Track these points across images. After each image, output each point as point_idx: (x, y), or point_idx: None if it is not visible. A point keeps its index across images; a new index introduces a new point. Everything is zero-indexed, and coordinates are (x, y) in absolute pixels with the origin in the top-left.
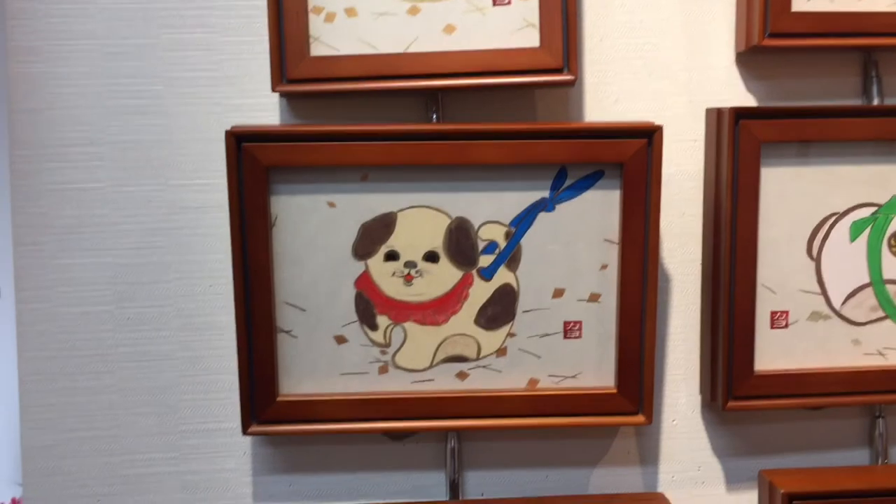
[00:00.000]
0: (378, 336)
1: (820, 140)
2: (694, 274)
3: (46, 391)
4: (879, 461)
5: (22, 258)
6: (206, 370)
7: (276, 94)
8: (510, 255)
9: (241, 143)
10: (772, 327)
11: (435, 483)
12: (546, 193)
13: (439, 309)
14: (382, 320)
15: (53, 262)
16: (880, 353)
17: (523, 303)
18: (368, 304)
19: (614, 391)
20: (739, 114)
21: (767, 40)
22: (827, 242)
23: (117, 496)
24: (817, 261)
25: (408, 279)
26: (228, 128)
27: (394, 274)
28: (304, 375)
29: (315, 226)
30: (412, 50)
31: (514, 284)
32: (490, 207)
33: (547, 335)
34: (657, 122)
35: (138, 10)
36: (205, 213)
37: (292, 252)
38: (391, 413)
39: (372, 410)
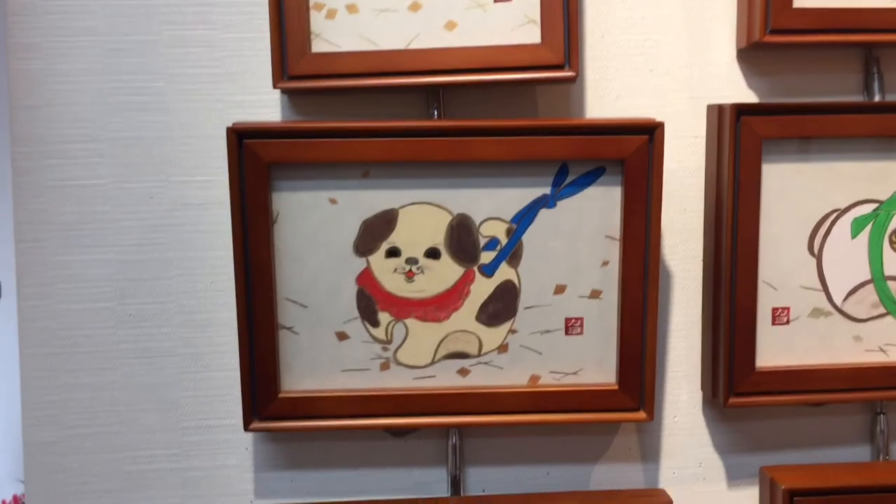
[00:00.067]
0: (379, 332)
1: (821, 136)
2: (695, 270)
3: (48, 388)
4: (881, 457)
5: (23, 255)
6: (208, 367)
7: (278, 91)
8: (511, 252)
9: (243, 139)
10: (773, 324)
11: (436, 479)
12: (547, 190)
13: (441, 305)
14: (384, 317)
15: (55, 258)
16: (881, 350)
17: (524, 299)
18: (370, 300)
19: (615, 388)
20: (741, 110)
21: (769, 37)
22: (828, 239)
23: (119, 493)
24: (818, 257)
25: (409, 276)
26: (230, 124)
27: (395, 270)
28: (305, 372)
29: (316, 222)
30: (413, 46)
31: (516, 281)
32: (491, 204)
33: (548, 332)
34: (658, 118)
35: (139, 7)
36: (206, 209)
37: (294, 249)
38: (392, 409)
39: (373, 407)
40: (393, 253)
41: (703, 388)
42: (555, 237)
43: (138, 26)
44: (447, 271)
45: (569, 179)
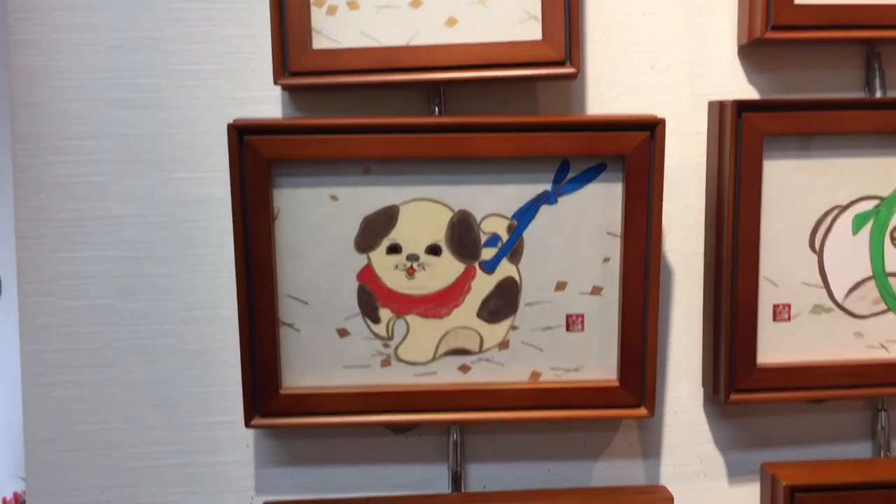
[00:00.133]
0: (380, 329)
1: (822, 133)
2: (696, 267)
3: (49, 385)
4: (882, 454)
5: (24, 252)
6: (209, 363)
7: (278, 88)
8: (512, 248)
9: (244, 136)
10: (774, 320)
11: (437, 476)
12: (548, 186)
13: (442, 302)
14: (385, 313)
15: (55, 255)
16: (883, 347)
17: (525, 296)
18: (371, 297)
19: (616, 384)
20: (742, 106)
21: (770, 33)
22: (829, 235)
23: (120, 489)
24: (820, 254)
25: (410, 272)
26: (230, 121)
27: (396, 267)
28: (306, 368)
29: (317, 219)
30: (414, 43)
31: (517, 277)
32: (492, 200)
33: (549, 328)
34: (659, 115)
35: (140, 4)
36: (207, 206)
37: (295, 245)
38: (393, 406)
39: (374, 403)
40: (394, 249)
41: (704, 384)
42: (556, 234)
43: (139, 23)
44: (448, 268)
45: (570, 176)
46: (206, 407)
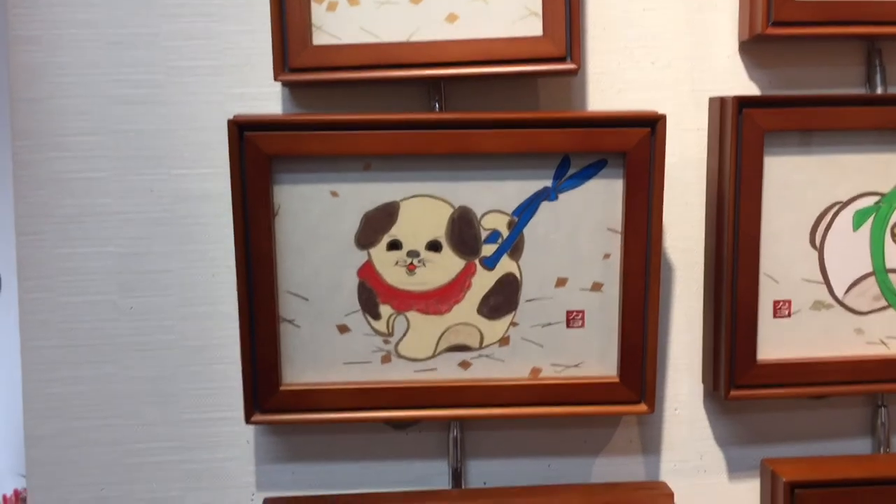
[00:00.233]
0: (381, 325)
1: (823, 129)
2: (697, 263)
3: (49, 381)
4: (881, 450)
5: (24, 248)
6: (209, 359)
7: (279, 84)
8: (513, 245)
9: (244, 132)
10: (774, 316)
11: (437, 472)
12: (549, 182)
13: (442, 298)
14: (385, 309)
15: (55, 251)
16: (883, 343)
17: (526, 292)
18: (371, 293)
19: (617, 380)
20: (743, 102)
21: (771, 29)
22: (830, 231)
23: (120, 485)
24: (820, 250)
25: (410, 268)
26: (231, 117)
27: (396, 263)
28: (306, 364)
29: (318, 215)
30: (414, 39)
31: (517, 274)
32: (493, 197)
33: (549, 324)
34: (660, 111)
35: (139, 0)
36: (207, 202)
37: (295, 241)
38: (394, 402)
39: (374, 399)
40: (394, 246)
41: (704, 380)
42: (556, 230)
43: (139, 19)
44: (448, 264)
45: (570, 172)
46: (206, 403)
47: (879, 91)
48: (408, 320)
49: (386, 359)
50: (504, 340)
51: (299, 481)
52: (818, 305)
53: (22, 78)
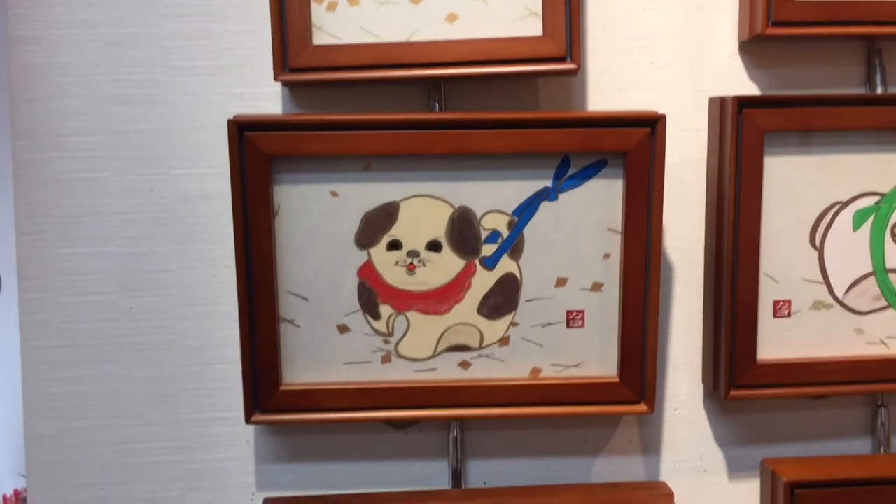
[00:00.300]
0: (381, 325)
1: (823, 129)
2: (697, 263)
3: (49, 381)
4: (881, 450)
5: (24, 248)
6: (209, 360)
7: (279, 84)
8: (513, 245)
9: (244, 132)
10: (774, 316)
11: (437, 472)
12: (549, 182)
13: (442, 298)
14: (385, 309)
15: (55, 251)
16: (883, 343)
17: (526, 292)
18: (371, 293)
19: (617, 380)
20: (743, 102)
21: (771, 29)
22: (830, 231)
23: (120, 485)
24: (820, 250)
25: (410, 268)
26: (230, 117)
27: (396, 263)
28: (306, 364)
29: (318, 215)
30: (414, 39)
31: (517, 274)
32: (493, 197)
33: (549, 324)
34: (660, 111)
35: (139, 0)
36: (207, 202)
37: (295, 241)
38: (394, 402)
39: (374, 399)
40: (394, 246)
41: (704, 380)
42: (556, 230)
43: (139, 19)
44: (448, 264)
45: (570, 172)
46: (206, 403)
47: (879, 91)
48: (408, 320)
49: (386, 359)
50: (504, 340)
51: (299, 481)
52: (818, 305)
53: (22, 78)
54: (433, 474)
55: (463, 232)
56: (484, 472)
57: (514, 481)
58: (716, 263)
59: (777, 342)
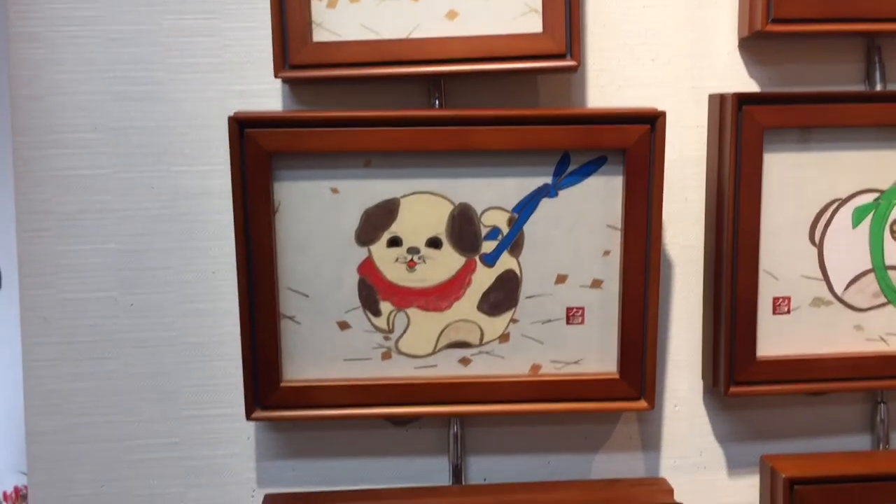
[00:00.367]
0: (381, 322)
1: (823, 126)
2: (696, 260)
3: (50, 377)
4: (881, 447)
5: (25, 245)
6: (210, 356)
7: (279, 80)
8: (513, 242)
9: (244, 129)
10: (774, 313)
11: (438, 468)
12: (549, 179)
13: (442, 295)
14: (385, 306)
15: (56, 248)
16: (882, 339)
17: (526, 289)
18: (371, 290)
19: (616, 377)
20: (742, 99)
21: (770, 26)
22: (829, 228)
23: (120, 482)
24: (819, 247)
25: (411, 265)
26: (231, 114)
27: (397, 260)
28: (307, 361)
29: (318, 212)
30: (414, 36)
31: (517, 270)
32: (493, 193)
33: (549, 321)
34: (660, 107)
35: None
36: (208, 199)
37: (295, 238)
38: (394, 399)
39: (375, 396)
40: (394, 242)
41: (703, 377)
42: (556, 227)
43: (139, 16)
44: (449, 261)
45: (570, 169)
46: (206, 400)
47: (879, 88)
48: (408, 317)
49: (386, 355)
50: (504, 337)
51: (300, 478)
52: (818, 302)
53: (22, 74)
54: (433, 471)
55: (463, 229)
56: (484, 469)
57: (515, 477)
58: (715, 260)
59: (777, 339)
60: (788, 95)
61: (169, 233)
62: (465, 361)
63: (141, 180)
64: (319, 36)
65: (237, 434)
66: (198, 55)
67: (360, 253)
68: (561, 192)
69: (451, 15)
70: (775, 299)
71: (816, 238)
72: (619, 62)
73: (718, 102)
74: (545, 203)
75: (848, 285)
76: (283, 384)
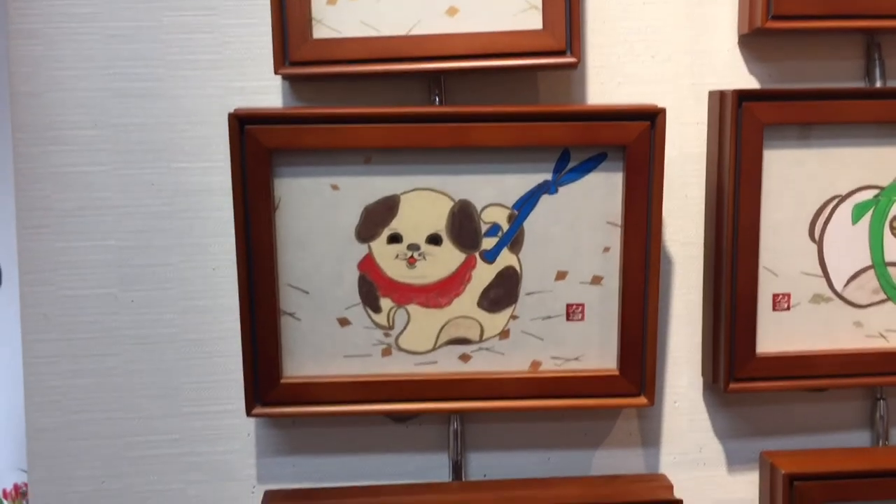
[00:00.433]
0: (381, 318)
1: (822, 122)
2: (696, 256)
3: (50, 374)
4: (880, 443)
5: (25, 241)
6: (210, 353)
7: (279, 77)
8: (513, 238)
9: (244, 125)
10: (774, 309)
11: (438, 465)
12: (549, 176)
13: (442, 291)
14: (385, 303)
15: (56, 245)
16: (882, 336)
17: (526, 285)
18: (371, 286)
19: (616, 373)
20: (742, 96)
21: (770, 22)
22: (829, 225)
23: (121, 478)
24: (819, 243)
25: (411, 262)
26: (231, 110)
27: (397, 256)
28: (307, 358)
29: (318, 208)
30: (415, 32)
31: (517, 267)
32: (493, 190)
33: (549, 317)
34: (660, 104)
35: None
36: (207, 196)
37: (296, 235)
38: (394, 395)
39: (375, 392)
40: (394, 239)
41: (703, 373)
42: (556, 223)
43: (139, 12)
44: (449, 257)
45: (570, 165)
46: (206, 396)
47: (879, 84)
48: (408, 313)
49: (386, 352)
50: (504, 333)
51: (300, 474)
52: (817, 299)
53: (22, 71)
54: (433, 467)
55: (463, 225)
56: (484, 465)
57: (515, 474)
58: (715, 257)
59: (776, 335)
60: (788, 92)
61: (169, 229)
62: (465, 358)
63: (141, 177)
64: (319, 32)
65: (237, 430)
66: (198, 52)
67: (361, 249)
68: (561, 189)
69: (452, 11)
70: (775, 296)
71: (816, 234)
72: (619, 59)
73: (718, 99)
74: (545, 200)
75: (848, 282)
76: (283, 381)
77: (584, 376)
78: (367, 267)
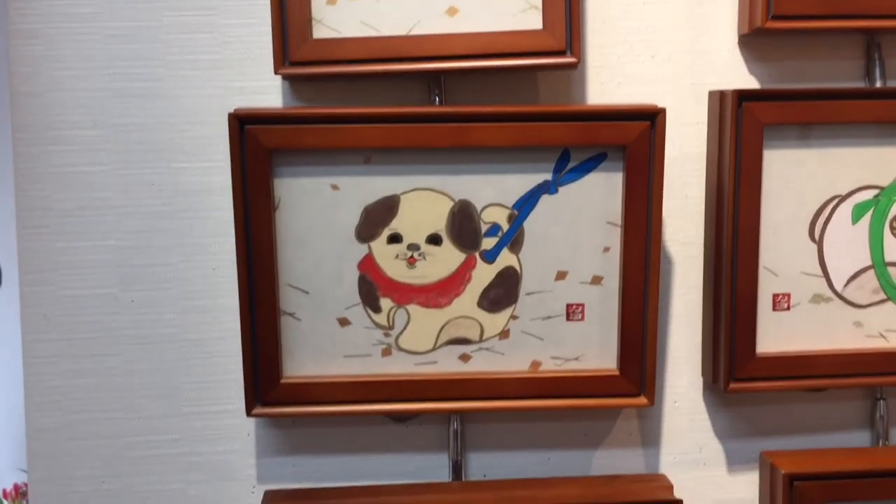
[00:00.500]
0: (381, 318)
1: (822, 122)
2: (696, 256)
3: (50, 374)
4: (880, 443)
5: (25, 241)
6: (210, 353)
7: (279, 77)
8: (513, 238)
9: (244, 125)
10: (774, 310)
11: (438, 465)
12: (549, 176)
13: (442, 291)
14: (385, 303)
15: (56, 245)
16: (882, 336)
17: (526, 285)
18: (371, 286)
19: (616, 373)
20: (742, 96)
21: (770, 22)
22: (829, 225)
23: (121, 478)
24: (819, 243)
25: (411, 262)
26: (231, 110)
27: (397, 256)
28: (307, 358)
29: (318, 208)
30: (415, 32)
31: (517, 267)
32: (493, 190)
33: (549, 317)
34: (660, 104)
35: None
36: (207, 196)
37: (296, 235)
38: (394, 395)
39: (375, 392)
40: (394, 239)
41: (703, 373)
42: (556, 223)
43: (139, 12)
44: (449, 257)
45: (570, 165)
46: (206, 396)
47: (879, 85)
48: (408, 313)
49: (386, 352)
50: (504, 333)
51: (300, 474)
52: (817, 298)
53: (22, 71)
54: (433, 467)
55: (463, 225)
56: (484, 465)
57: (514, 474)
58: (715, 256)
59: (776, 335)
60: (788, 92)
61: (169, 229)
62: (465, 358)
63: (141, 177)
64: (319, 32)
65: (237, 430)
66: (198, 52)
67: (361, 249)
68: (561, 189)
69: (452, 11)
70: (775, 296)
71: (816, 234)
72: (619, 59)
73: (718, 99)
74: (545, 199)
75: (848, 282)
76: (283, 381)
77: (584, 376)
78: (367, 267)
